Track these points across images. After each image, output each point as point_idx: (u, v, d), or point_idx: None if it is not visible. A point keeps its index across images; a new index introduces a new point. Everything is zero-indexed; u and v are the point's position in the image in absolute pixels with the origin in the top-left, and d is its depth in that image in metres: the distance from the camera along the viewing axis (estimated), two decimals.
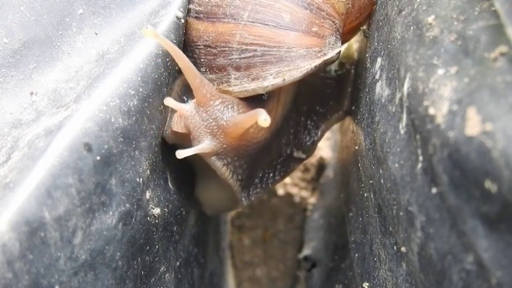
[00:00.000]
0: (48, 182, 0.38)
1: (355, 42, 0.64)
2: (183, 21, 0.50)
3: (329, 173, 0.90)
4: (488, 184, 0.29)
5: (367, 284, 0.51)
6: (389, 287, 0.45)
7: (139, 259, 0.47)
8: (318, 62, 0.49)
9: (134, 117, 0.44)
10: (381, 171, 0.43)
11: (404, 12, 0.42)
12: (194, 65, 0.49)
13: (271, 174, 0.59)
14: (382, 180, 0.43)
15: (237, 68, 0.49)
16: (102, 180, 0.41)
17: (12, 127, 0.45)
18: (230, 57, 0.49)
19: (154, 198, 0.49)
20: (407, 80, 0.38)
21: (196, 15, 0.51)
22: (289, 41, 0.48)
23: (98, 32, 0.50)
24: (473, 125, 0.30)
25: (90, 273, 0.41)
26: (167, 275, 0.53)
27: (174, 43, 0.48)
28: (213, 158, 0.50)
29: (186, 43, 0.52)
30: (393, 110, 0.41)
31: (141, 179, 0.46)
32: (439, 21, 0.37)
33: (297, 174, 0.92)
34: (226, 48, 0.49)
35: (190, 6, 0.52)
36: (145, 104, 0.46)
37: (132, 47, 0.46)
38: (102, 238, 0.41)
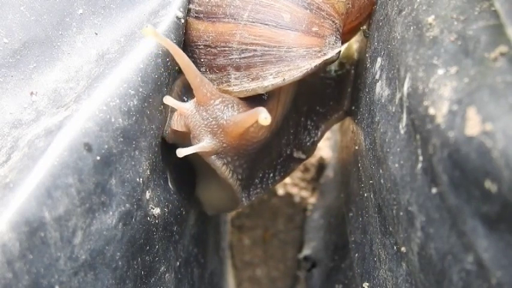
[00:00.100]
0: (48, 182, 0.38)
1: (355, 42, 0.64)
2: (183, 21, 0.51)
3: (329, 173, 0.90)
4: (488, 184, 0.29)
5: (367, 284, 0.51)
6: (389, 287, 0.45)
7: (139, 259, 0.47)
8: (318, 61, 0.49)
9: (134, 117, 0.44)
10: (380, 171, 0.43)
11: (404, 12, 0.42)
12: (194, 65, 0.49)
13: (271, 175, 0.59)
14: (382, 180, 0.43)
15: (237, 68, 0.49)
16: (102, 180, 0.41)
17: (12, 127, 0.45)
18: (230, 57, 0.49)
19: (154, 198, 0.49)
20: (407, 80, 0.38)
21: (196, 15, 0.51)
22: (289, 41, 0.48)
23: (98, 32, 0.50)
24: (473, 125, 0.30)
25: (90, 273, 0.41)
26: (167, 275, 0.53)
27: (174, 43, 0.48)
28: (212, 157, 0.50)
29: (186, 43, 0.52)
30: (393, 110, 0.41)
31: (141, 179, 0.46)
32: (439, 21, 0.37)
33: (297, 174, 0.92)
34: (226, 48, 0.49)
35: (190, 6, 0.52)
36: (145, 104, 0.46)
37: (132, 47, 0.46)
38: (102, 238, 0.41)
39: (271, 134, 0.55)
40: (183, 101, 0.51)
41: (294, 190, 0.92)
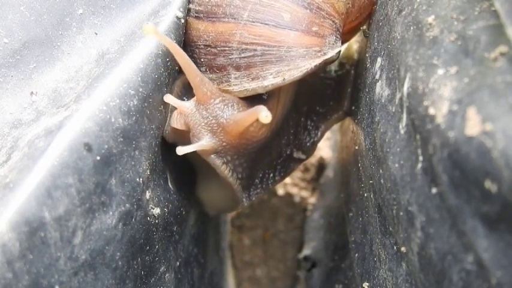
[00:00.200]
0: (48, 182, 0.38)
1: (355, 43, 0.64)
2: (183, 21, 0.51)
3: (329, 173, 0.90)
4: (488, 184, 0.29)
5: (367, 284, 0.51)
6: (389, 287, 0.45)
7: (139, 259, 0.47)
8: (318, 61, 0.49)
9: (134, 117, 0.44)
10: (380, 171, 0.43)
11: (404, 12, 0.42)
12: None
13: (271, 175, 0.59)
14: (382, 180, 0.43)
15: (237, 68, 0.49)
16: (102, 180, 0.41)
17: (12, 127, 0.45)
18: (230, 57, 0.49)
19: (154, 198, 0.49)
20: (407, 80, 0.38)
21: (196, 14, 0.51)
22: (289, 41, 0.48)
23: (98, 32, 0.50)
24: (473, 125, 0.30)
25: (90, 273, 0.41)
26: (167, 275, 0.53)
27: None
28: (212, 156, 0.50)
29: (186, 43, 0.52)
30: (393, 110, 0.41)
31: (141, 179, 0.46)
32: (439, 21, 0.37)
33: (297, 174, 0.92)
34: (226, 48, 0.49)
35: (190, 6, 0.52)
36: (145, 104, 0.46)
37: (132, 47, 0.46)
38: (102, 238, 0.41)
39: (271, 134, 0.55)
40: (183, 101, 0.51)
41: (294, 190, 0.92)
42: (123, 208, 0.43)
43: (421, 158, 0.35)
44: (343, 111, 0.61)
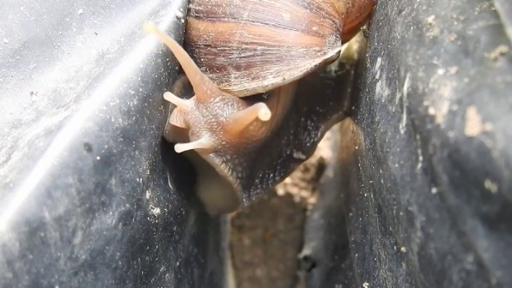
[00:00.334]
0: (48, 182, 0.38)
1: (355, 43, 0.64)
2: (183, 21, 0.51)
3: (329, 173, 0.90)
4: (488, 184, 0.29)
5: (367, 284, 0.51)
6: (389, 287, 0.45)
7: (139, 259, 0.47)
8: (317, 61, 0.49)
9: (134, 117, 0.44)
10: (380, 171, 0.43)
11: (404, 12, 0.42)
12: None
13: (271, 175, 0.59)
14: (382, 180, 0.43)
15: (237, 67, 0.49)
16: (102, 180, 0.41)
17: (12, 127, 0.45)
18: (230, 57, 0.49)
19: (154, 198, 0.49)
20: (407, 80, 0.38)
21: (196, 14, 0.51)
22: (289, 40, 0.48)
23: (98, 32, 0.50)
24: (473, 125, 0.30)
25: (90, 273, 0.41)
26: (167, 275, 0.53)
27: None
28: (211, 154, 0.50)
29: (186, 43, 0.52)
30: (393, 110, 0.41)
31: (141, 179, 0.46)
32: (439, 21, 0.37)
33: (297, 174, 0.92)
34: (226, 48, 0.49)
35: (190, 5, 0.52)
36: (145, 104, 0.46)
37: (132, 47, 0.46)
38: (102, 238, 0.41)
39: (271, 134, 0.55)
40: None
41: (294, 190, 0.92)
42: (123, 208, 0.43)
43: (421, 158, 0.35)
44: (343, 111, 0.61)
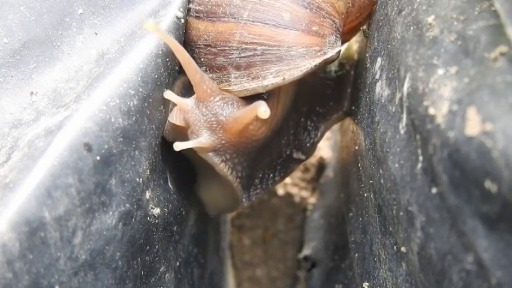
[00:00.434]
0: (48, 182, 0.38)
1: (355, 43, 0.64)
2: (183, 21, 0.51)
3: (329, 173, 0.90)
4: (488, 184, 0.29)
5: (367, 284, 0.51)
6: (389, 287, 0.45)
7: (139, 259, 0.47)
8: (318, 61, 0.49)
9: (134, 117, 0.44)
10: (380, 171, 0.43)
11: (404, 12, 0.42)
12: None
13: (271, 175, 0.59)
14: (382, 180, 0.43)
15: (237, 67, 0.49)
16: (102, 180, 0.41)
17: (12, 127, 0.45)
18: (230, 57, 0.49)
19: (154, 198, 0.49)
20: (407, 80, 0.38)
21: (196, 14, 0.51)
22: (289, 40, 0.48)
23: (98, 32, 0.50)
24: (473, 125, 0.30)
25: (90, 273, 0.41)
26: (167, 275, 0.53)
27: None
28: (210, 153, 0.50)
29: (186, 42, 0.52)
30: (393, 110, 0.41)
31: (141, 179, 0.46)
32: (439, 21, 0.37)
33: (297, 174, 0.92)
34: (226, 48, 0.49)
35: (190, 5, 0.52)
36: (145, 104, 0.46)
37: (132, 47, 0.46)
38: (102, 238, 0.41)
39: (271, 134, 0.55)
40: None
41: (294, 190, 0.92)
42: (123, 208, 0.43)
43: (421, 158, 0.35)
44: (343, 112, 0.61)
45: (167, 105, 0.50)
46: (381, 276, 0.47)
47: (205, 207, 0.61)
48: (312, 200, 0.91)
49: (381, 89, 0.45)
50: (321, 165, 0.92)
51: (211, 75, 0.51)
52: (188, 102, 0.49)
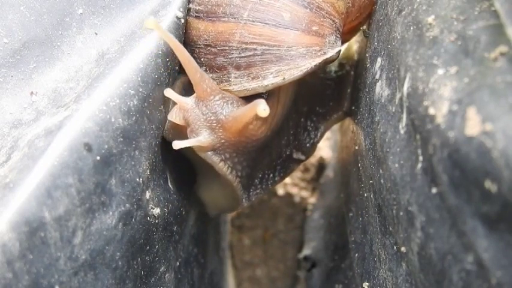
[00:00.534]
0: (48, 182, 0.38)
1: (355, 43, 0.64)
2: (183, 21, 0.51)
3: (329, 173, 0.90)
4: (488, 184, 0.29)
5: (367, 284, 0.51)
6: (389, 287, 0.45)
7: (139, 259, 0.47)
8: (318, 61, 0.49)
9: (134, 117, 0.44)
10: (380, 171, 0.43)
11: (404, 12, 0.42)
12: None
13: (271, 175, 0.59)
14: (382, 180, 0.43)
15: (237, 67, 0.49)
16: (102, 180, 0.41)
17: (12, 127, 0.45)
18: (230, 56, 0.49)
19: (154, 198, 0.49)
20: (407, 80, 0.38)
21: (196, 14, 0.51)
22: (289, 40, 0.48)
23: (98, 32, 0.50)
24: (473, 125, 0.30)
25: (90, 273, 0.41)
26: (167, 275, 0.53)
27: None
28: (209, 153, 0.50)
29: (186, 42, 0.52)
30: (393, 110, 0.41)
31: (141, 179, 0.46)
32: (439, 21, 0.37)
33: (297, 174, 0.92)
34: (226, 47, 0.49)
35: (190, 5, 0.52)
36: (145, 104, 0.46)
37: (132, 47, 0.46)
38: (102, 238, 0.41)
39: (271, 134, 0.55)
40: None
41: (294, 190, 0.92)
42: (123, 208, 0.43)
43: (421, 158, 0.35)
44: (343, 112, 0.61)
45: (167, 105, 0.50)
46: (381, 276, 0.47)
47: (205, 207, 0.61)
48: (312, 200, 0.91)
49: (381, 89, 0.45)
50: (321, 165, 0.92)
51: (211, 75, 0.51)
52: (188, 101, 0.49)
